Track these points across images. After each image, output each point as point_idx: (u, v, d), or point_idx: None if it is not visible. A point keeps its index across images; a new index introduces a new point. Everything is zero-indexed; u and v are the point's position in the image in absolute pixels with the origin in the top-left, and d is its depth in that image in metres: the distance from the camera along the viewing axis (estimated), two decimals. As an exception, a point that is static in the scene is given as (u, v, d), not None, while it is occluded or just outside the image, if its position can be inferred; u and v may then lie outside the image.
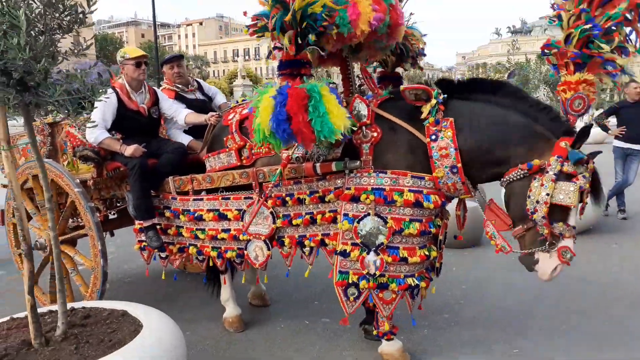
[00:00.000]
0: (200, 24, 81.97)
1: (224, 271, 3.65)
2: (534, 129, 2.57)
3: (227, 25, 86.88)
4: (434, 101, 2.72)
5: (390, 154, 2.80)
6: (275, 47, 2.70)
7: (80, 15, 1.88)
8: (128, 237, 5.60)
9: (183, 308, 4.10)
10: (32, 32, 1.73)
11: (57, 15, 1.85)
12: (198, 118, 3.78)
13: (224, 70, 71.64)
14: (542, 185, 2.46)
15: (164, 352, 2.22)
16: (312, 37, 2.50)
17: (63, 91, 1.93)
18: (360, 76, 3.14)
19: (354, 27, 2.53)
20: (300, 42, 2.54)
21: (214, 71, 70.67)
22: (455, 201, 3.05)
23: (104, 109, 3.46)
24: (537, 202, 2.47)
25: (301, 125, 2.50)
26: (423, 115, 2.75)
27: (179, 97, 4.06)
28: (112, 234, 4.52)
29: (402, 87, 2.83)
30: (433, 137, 2.71)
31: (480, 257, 5.29)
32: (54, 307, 2.67)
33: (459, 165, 2.66)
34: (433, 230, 2.81)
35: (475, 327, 3.57)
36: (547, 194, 2.44)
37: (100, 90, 2.08)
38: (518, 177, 2.56)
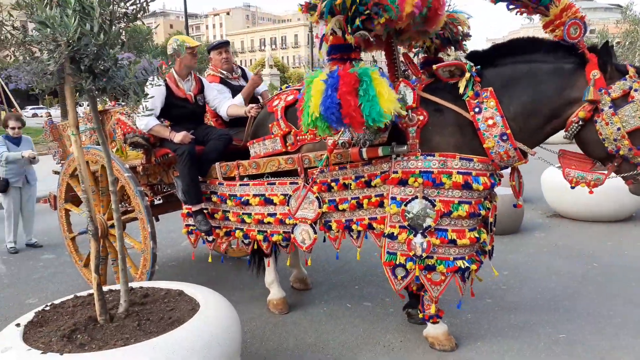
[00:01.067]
0: (228, 13, 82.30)
1: (269, 254, 3.74)
2: (563, 67, 2.61)
3: (254, 15, 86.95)
4: (467, 74, 2.73)
5: (437, 136, 2.82)
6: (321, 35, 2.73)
7: (144, 4, 1.94)
8: (167, 223, 5.83)
9: (229, 290, 4.23)
10: (102, 19, 1.79)
11: (122, 4, 1.92)
12: (239, 110, 3.86)
13: (251, 60, 71.82)
14: (607, 124, 2.48)
15: (222, 331, 2.31)
16: (358, 21, 2.52)
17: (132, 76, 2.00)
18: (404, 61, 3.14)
19: (401, 9, 2.53)
20: (349, 26, 2.57)
21: (241, 60, 71.01)
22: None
23: (154, 96, 3.56)
24: (615, 140, 2.49)
25: (351, 109, 2.53)
26: (461, 90, 2.76)
27: (223, 83, 4.15)
28: (157, 219, 4.67)
29: (434, 66, 2.85)
30: (476, 109, 2.72)
31: (520, 244, 5.24)
32: (112, 287, 2.79)
33: (508, 131, 2.68)
34: (482, 212, 2.82)
35: (519, 311, 3.57)
36: (619, 128, 2.47)
37: (158, 78, 2.15)
38: (578, 127, 2.58)
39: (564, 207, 6.08)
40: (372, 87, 2.52)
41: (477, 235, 2.82)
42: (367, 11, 2.50)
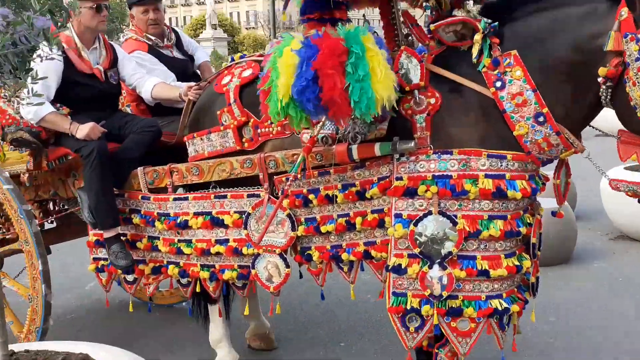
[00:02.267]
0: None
1: (217, 299, 3.77)
2: (597, 9, 2.70)
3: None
4: (478, 36, 2.83)
5: (455, 127, 2.90)
6: None
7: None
8: (66, 257, 5.77)
9: (158, 352, 4.23)
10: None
11: None
12: (171, 91, 3.90)
13: (184, 18, 71.39)
14: (634, 84, 2.55)
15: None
16: None
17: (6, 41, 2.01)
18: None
19: None
20: None
21: (170, 19, 70.52)
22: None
23: (45, 71, 3.55)
24: None
25: (335, 92, 2.60)
26: (474, 59, 2.86)
27: (153, 53, 4.20)
28: (49, 251, 4.64)
29: (432, 26, 2.93)
30: (498, 83, 2.80)
31: (573, 277, 5.43)
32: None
33: (545, 109, 2.77)
34: (522, 229, 2.90)
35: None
36: None
37: (53, 43, 2.17)
38: (608, 92, 2.67)
39: (634, 226, 6.25)
40: (364, 61, 2.59)
41: (517, 263, 2.89)
42: None
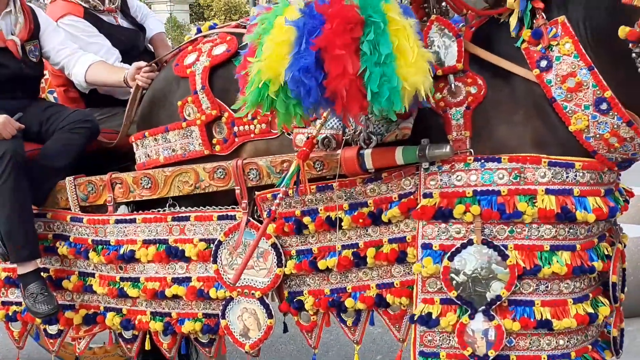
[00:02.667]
0: None
1: (172, 360, 3.79)
2: None
3: None
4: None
5: (503, 125, 2.95)
6: None
7: None
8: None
9: None
10: None
11: None
12: (112, 74, 3.93)
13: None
14: None
15: None
16: None
17: None
18: None
19: None
20: None
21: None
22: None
23: None
24: None
25: (345, 78, 2.61)
26: (511, 30, 2.93)
27: (90, 19, 4.20)
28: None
29: None
30: (542, 63, 2.88)
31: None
32: None
33: (609, 93, 2.81)
34: (597, 264, 2.92)
35: None
36: None
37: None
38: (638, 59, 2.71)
39: None
40: (387, 36, 2.61)
41: (591, 310, 2.92)
42: None
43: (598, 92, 2.81)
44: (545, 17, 2.89)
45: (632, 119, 2.81)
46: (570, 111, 2.85)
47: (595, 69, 2.80)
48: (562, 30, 2.86)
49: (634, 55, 2.68)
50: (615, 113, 2.80)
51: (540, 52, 2.88)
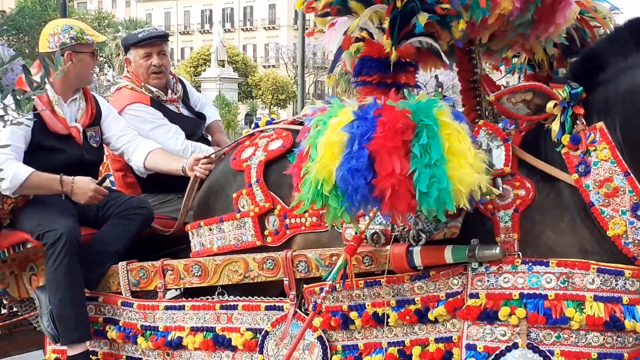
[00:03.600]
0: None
1: None
2: None
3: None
4: (551, 104, 2.97)
5: (550, 229, 3.02)
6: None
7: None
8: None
9: None
10: None
11: None
12: (171, 162, 4.09)
13: (182, 50, 72.55)
14: None
15: None
16: (421, 19, 2.76)
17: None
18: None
19: (493, 6, 2.83)
20: (398, 27, 2.81)
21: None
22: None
23: (10, 137, 3.71)
24: None
25: (394, 179, 2.71)
26: (553, 136, 3.01)
27: (156, 107, 4.42)
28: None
29: (492, 95, 3.07)
30: (581, 168, 2.95)
31: None
32: None
33: None
34: None
35: None
36: None
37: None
38: None
39: None
40: (438, 140, 2.71)
41: None
42: (439, 4, 2.76)
43: (634, 197, 2.87)
44: (585, 123, 2.98)
45: None
46: (608, 216, 2.90)
47: (632, 174, 2.87)
48: (600, 135, 2.95)
49: None
50: None
51: (579, 157, 2.96)
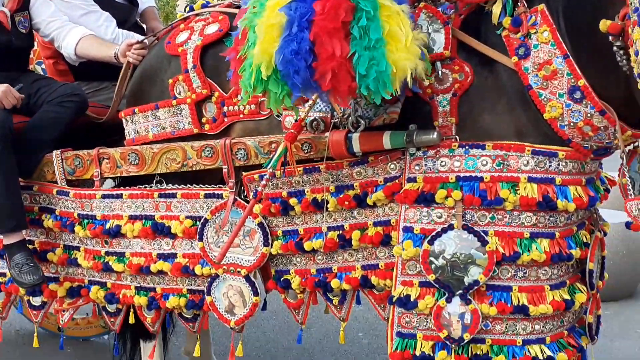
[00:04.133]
0: None
1: (155, 334, 3.90)
2: None
3: None
4: None
5: (487, 113, 3.05)
6: None
7: None
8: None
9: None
10: None
11: None
12: (102, 49, 4.00)
13: None
14: (631, 43, 2.67)
15: None
16: None
17: None
18: None
19: None
20: None
21: None
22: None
23: None
24: None
25: (334, 61, 2.71)
26: (493, 19, 2.99)
27: None
28: None
29: None
30: (520, 51, 2.96)
31: (636, 318, 5.64)
32: None
33: (582, 81, 2.87)
34: (576, 252, 3.03)
35: None
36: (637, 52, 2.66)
37: None
38: (621, 56, 2.77)
39: None
40: (377, 22, 2.71)
41: (567, 297, 3.03)
42: None
43: (572, 80, 2.89)
44: (526, 5, 2.97)
45: (605, 108, 2.88)
46: (545, 99, 2.94)
47: (571, 57, 2.89)
48: (541, 18, 2.94)
49: (614, 48, 2.76)
50: (589, 102, 2.89)
51: (519, 39, 2.97)
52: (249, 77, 2.83)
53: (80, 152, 3.74)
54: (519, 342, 3.00)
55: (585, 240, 3.14)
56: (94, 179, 3.72)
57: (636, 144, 3.12)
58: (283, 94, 2.84)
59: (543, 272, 3.00)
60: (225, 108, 3.48)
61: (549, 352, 3.01)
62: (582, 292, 3.11)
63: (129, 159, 3.63)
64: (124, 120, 3.77)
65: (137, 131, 3.71)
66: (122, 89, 3.83)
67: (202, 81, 3.50)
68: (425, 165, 3.06)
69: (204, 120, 3.54)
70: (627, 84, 2.82)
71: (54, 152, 3.77)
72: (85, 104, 3.92)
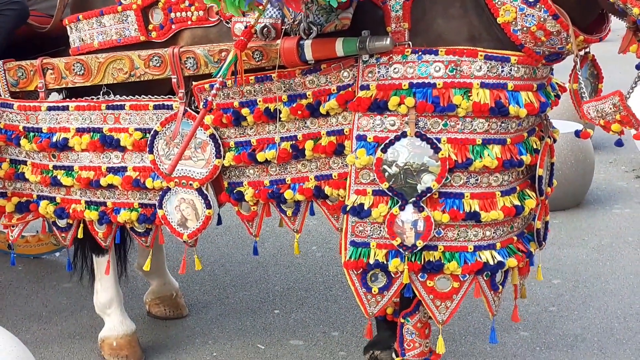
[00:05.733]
0: None
1: (107, 249, 3.88)
2: None
3: None
4: None
5: (440, 18, 3.05)
6: None
7: None
8: None
9: (21, 320, 4.37)
10: None
11: None
12: None
13: None
14: None
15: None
16: None
17: None
18: None
19: None
20: None
21: None
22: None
23: None
24: None
25: None
26: None
27: None
28: None
29: None
30: None
31: (586, 227, 5.78)
32: None
33: None
34: (526, 158, 3.09)
35: (577, 353, 4.02)
36: None
37: None
38: None
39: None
40: None
41: (517, 203, 3.09)
42: None
43: None
44: None
45: (558, 12, 2.89)
46: (499, 2, 2.93)
47: None
48: None
49: None
50: (542, 5, 2.89)
51: None
52: None
53: (24, 63, 3.66)
54: (470, 249, 3.07)
55: (535, 146, 3.18)
56: (39, 90, 3.65)
57: (587, 50, 3.14)
58: None
59: (494, 178, 3.04)
60: (172, 14, 3.40)
61: (499, 258, 3.09)
62: (531, 198, 3.16)
63: (74, 69, 3.56)
64: (68, 28, 3.66)
65: (82, 39, 3.61)
66: None
67: None
68: (378, 72, 3.06)
69: (150, 27, 3.46)
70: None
71: None
72: (25, 12, 3.81)
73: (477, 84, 2.95)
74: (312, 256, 5.14)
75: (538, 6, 2.89)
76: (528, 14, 2.91)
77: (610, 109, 2.83)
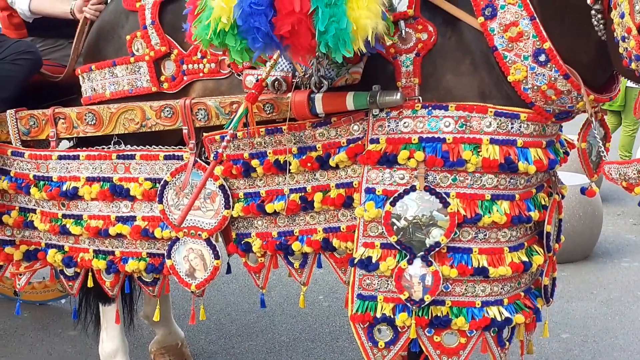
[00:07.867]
0: None
1: (114, 299, 3.91)
2: None
3: None
4: None
5: (450, 74, 3.08)
6: None
7: None
8: None
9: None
10: None
11: None
12: (57, 4, 3.93)
13: None
14: (614, 5, 2.71)
15: None
16: None
17: None
18: None
19: None
20: None
21: None
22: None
23: None
24: (623, 39, 2.71)
25: (294, 17, 2.71)
26: None
27: None
28: None
29: None
30: (487, 11, 2.97)
31: (594, 279, 5.78)
32: None
33: (547, 44, 2.90)
34: (534, 214, 3.10)
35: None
36: (622, 15, 2.66)
37: None
38: (599, 17, 2.80)
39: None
40: None
41: (525, 259, 3.11)
42: None
43: (537, 43, 2.92)
44: None
45: (569, 72, 2.91)
46: (510, 61, 2.96)
47: (537, 19, 2.91)
48: None
49: (592, 12, 2.80)
50: (553, 65, 2.92)
51: (486, 0, 2.98)
52: (205, 28, 2.79)
53: (35, 112, 3.71)
54: (478, 304, 3.07)
55: (543, 202, 3.20)
56: (50, 139, 3.68)
57: (597, 110, 3.15)
58: (242, 47, 2.81)
59: (502, 234, 3.06)
60: (184, 66, 3.46)
61: (506, 314, 3.09)
62: (539, 254, 3.18)
63: (85, 119, 3.61)
64: (80, 78, 3.72)
65: (94, 89, 3.67)
66: (79, 47, 3.78)
67: (161, 38, 3.48)
68: (388, 126, 3.09)
69: (162, 78, 3.52)
70: (597, 48, 2.88)
71: (8, 111, 3.73)
72: (39, 62, 3.87)
73: (487, 140, 2.97)
74: (319, 306, 5.15)
75: (549, 66, 2.92)
76: (539, 73, 2.94)
77: (634, 174, 2.82)
